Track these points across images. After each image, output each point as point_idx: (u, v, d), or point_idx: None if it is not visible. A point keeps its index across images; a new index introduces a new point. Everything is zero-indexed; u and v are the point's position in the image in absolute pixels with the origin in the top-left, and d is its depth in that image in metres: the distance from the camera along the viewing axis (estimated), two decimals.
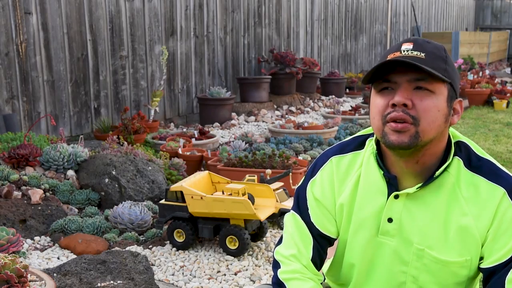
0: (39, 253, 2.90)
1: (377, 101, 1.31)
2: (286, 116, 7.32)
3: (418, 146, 1.28)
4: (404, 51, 1.28)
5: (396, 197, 1.36)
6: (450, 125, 1.34)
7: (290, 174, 3.58)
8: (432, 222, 1.33)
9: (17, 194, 3.28)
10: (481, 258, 1.33)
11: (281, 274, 1.46)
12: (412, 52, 1.27)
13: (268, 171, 3.64)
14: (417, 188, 1.33)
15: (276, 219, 3.27)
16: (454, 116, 1.34)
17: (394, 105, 1.26)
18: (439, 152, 1.34)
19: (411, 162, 1.32)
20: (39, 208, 3.25)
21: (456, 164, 1.34)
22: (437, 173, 1.31)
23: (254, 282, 2.61)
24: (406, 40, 1.32)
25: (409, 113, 1.26)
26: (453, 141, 1.36)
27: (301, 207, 1.49)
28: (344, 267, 1.50)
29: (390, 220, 1.37)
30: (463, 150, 1.36)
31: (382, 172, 1.38)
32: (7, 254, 2.21)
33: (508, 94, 8.70)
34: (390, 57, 1.28)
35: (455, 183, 1.32)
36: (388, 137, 1.28)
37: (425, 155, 1.32)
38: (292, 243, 1.47)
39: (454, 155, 1.34)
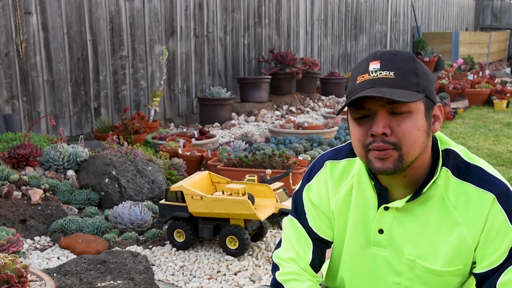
0: (39, 253, 2.90)
1: (356, 130, 1.29)
2: (286, 116, 7.32)
3: (403, 168, 1.28)
4: (372, 72, 1.25)
5: (386, 208, 1.37)
6: (433, 133, 1.33)
7: (290, 174, 3.58)
8: (423, 233, 1.34)
9: (17, 194, 3.28)
10: (474, 263, 1.33)
11: (279, 276, 1.47)
12: (381, 73, 1.24)
13: (268, 171, 3.64)
14: (405, 202, 1.33)
15: (276, 219, 3.27)
16: (435, 124, 1.32)
17: (373, 135, 1.26)
18: (426, 162, 1.33)
19: (400, 176, 1.33)
20: (39, 208, 3.25)
21: (444, 174, 1.33)
22: (424, 189, 1.31)
23: (254, 282, 2.61)
24: (372, 57, 1.28)
25: (389, 140, 1.25)
26: (441, 149, 1.35)
27: (298, 212, 1.50)
28: (339, 277, 1.51)
29: (380, 231, 1.38)
30: (451, 159, 1.35)
31: (373, 183, 1.38)
32: (7, 254, 2.21)
33: (508, 94, 8.70)
34: (359, 79, 1.26)
35: (443, 194, 1.32)
36: (373, 164, 1.28)
37: (412, 169, 1.31)
38: (290, 247, 1.49)
39: (442, 165, 1.33)
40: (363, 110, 1.27)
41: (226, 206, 2.81)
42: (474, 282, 1.35)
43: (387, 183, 1.36)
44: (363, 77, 1.26)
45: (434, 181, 1.32)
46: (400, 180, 1.33)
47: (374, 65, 1.26)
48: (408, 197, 1.33)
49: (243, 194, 2.82)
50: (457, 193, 1.31)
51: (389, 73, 1.24)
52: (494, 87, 9.02)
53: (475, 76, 10.54)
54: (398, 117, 1.25)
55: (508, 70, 15.53)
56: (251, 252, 2.95)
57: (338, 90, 9.18)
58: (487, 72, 11.57)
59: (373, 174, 1.38)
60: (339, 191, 1.44)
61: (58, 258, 2.86)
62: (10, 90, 4.49)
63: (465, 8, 18.43)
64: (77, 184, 3.64)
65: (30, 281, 2.16)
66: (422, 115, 1.26)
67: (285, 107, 7.75)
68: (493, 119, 7.40)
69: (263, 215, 2.84)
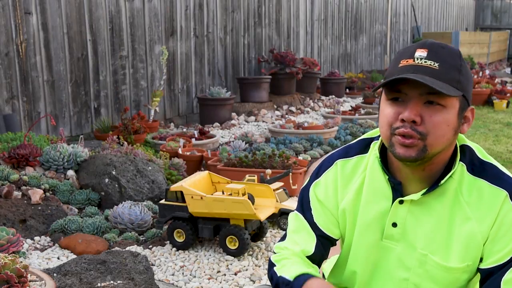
0: (39, 253, 2.90)
1: (387, 111, 1.29)
2: (286, 116, 7.32)
3: (425, 159, 1.28)
4: (417, 58, 1.25)
5: (401, 202, 1.37)
6: (460, 133, 1.33)
7: (290, 174, 3.58)
8: (436, 227, 1.34)
9: (17, 194, 3.28)
10: (481, 259, 1.34)
11: (273, 258, 1.49)
12: (426, 62, 1.24)
13: (268, 171, 3.64)
14: (421, 195, 1.33)
15: (276, 219, 3.27)
16: (464, 125, 1.32)
17: (403, 120, 1.26)
18: (446, 158, 1.34)
19: (418, 170, 1.33)
20: (39, 208, 3.25)
21: (460, 169, 1.34)
22: (442, 181, 1.32)
23: (254, 282, 2.61)
24: (421, 44, 1.28)
25: (417, 129, 1.25)
26: (458, 145, 1.36)
27: (304, 208, 1.50)
28: (347, 272, 1.51)
29: (394, 224, 1.38)
30: (467, 155, 1.36)
31: (387, 177, 1.38)
32: (7, 254, 2.21)
33: (508, 94, 8.70)
34: (402, 63, 1.27)
35: (457, 188, 1.32)
36: (395, 149, 1.28)
37: (433, 163, 1.32)
38: (292, 240, 1.49)
39: (459, 160, 1.34)
40: (399, 93, 1.27)
41: (226, 206, 2.81)
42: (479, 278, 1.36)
43: (403, 176, 1.36)
44: (407, 61, 1.26)
45: (451, 175, 1.32)
46: (418, 173, 1.33)
47: (421, 52, 1.26)
48: (425, 190, 1.33)
49: (243, 194, 2.82)
50: (470, 188, 1.32)
51: (434, 64, 1.24)
52: (494, 87, 9.02)
53: (475, 76, 10.54)
54: (432, 109, 1.25)
55: (508, 70, 15.53)
56: (251, 252, 2.95)
57: (338, 90, 9.18)
58: (487, 72, 11.57)
59: (387, 168, 1.38)
60: (349, 188, 1.44)
61: (58, 258, 2.86)
62: (10, 90, 4.49)
63: (465, 8, 18.44)
64: (77, 184, 3.64)
65: (30, 281, 2.16)
66: (455, 112, 1.27)
67: (285, 107, 7.75)
68: (493, 119, 7.40)
69: (263, 215, 2.84)
